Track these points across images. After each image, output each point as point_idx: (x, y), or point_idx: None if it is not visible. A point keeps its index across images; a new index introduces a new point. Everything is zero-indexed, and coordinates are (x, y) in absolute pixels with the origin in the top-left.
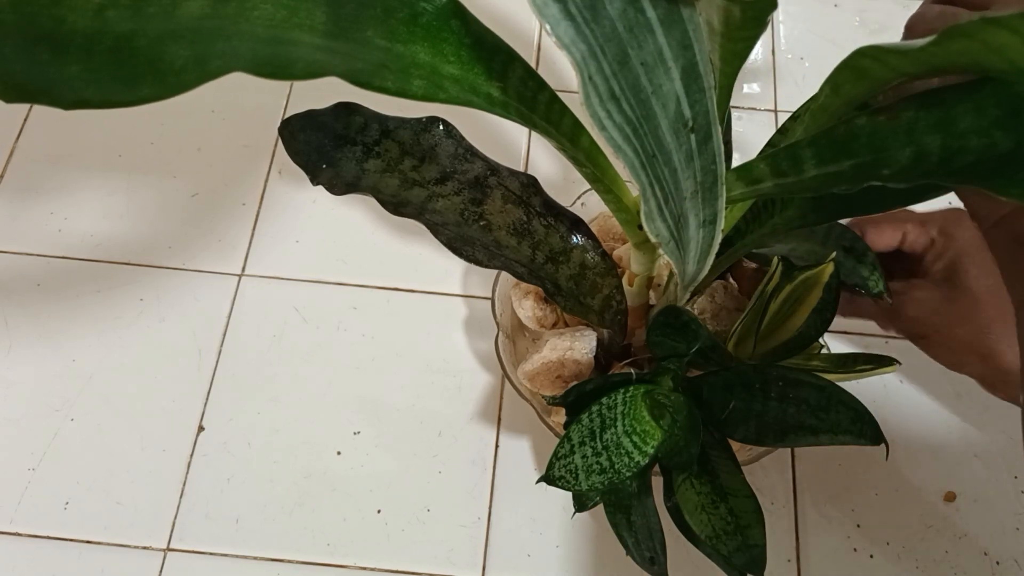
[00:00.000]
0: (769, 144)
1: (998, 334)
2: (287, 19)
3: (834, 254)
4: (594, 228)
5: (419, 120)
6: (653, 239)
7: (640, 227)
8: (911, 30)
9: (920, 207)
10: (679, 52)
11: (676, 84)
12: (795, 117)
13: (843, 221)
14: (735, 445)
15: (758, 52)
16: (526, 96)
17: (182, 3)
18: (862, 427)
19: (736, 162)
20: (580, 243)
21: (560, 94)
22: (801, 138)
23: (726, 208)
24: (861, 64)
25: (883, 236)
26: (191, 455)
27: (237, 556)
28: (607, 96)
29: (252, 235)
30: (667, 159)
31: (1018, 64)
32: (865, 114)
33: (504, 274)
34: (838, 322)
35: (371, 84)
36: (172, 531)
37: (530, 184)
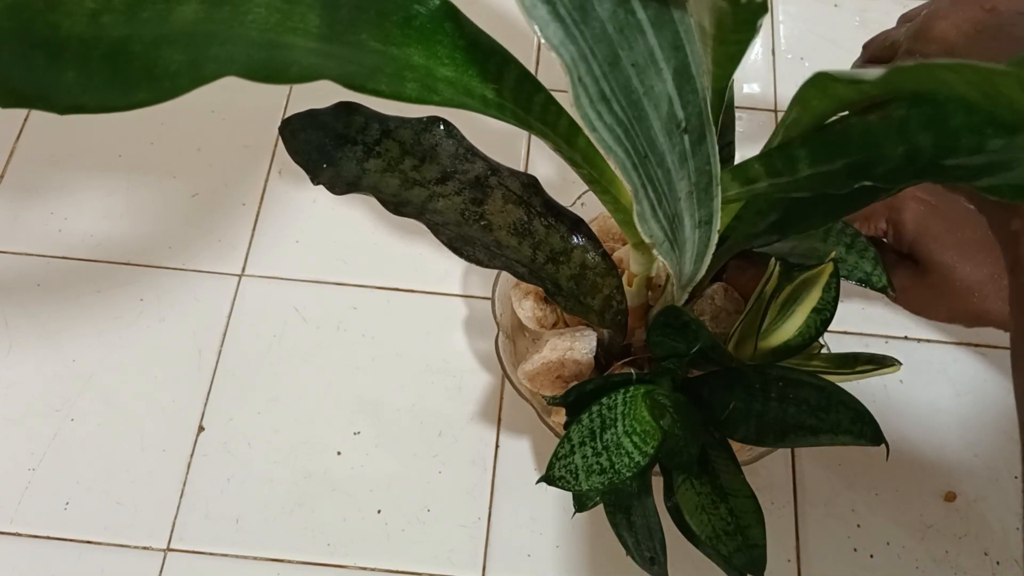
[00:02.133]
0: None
1: (981, 295)
2: (281, 23)
3: (833, 253)
4: (594, 228)
5: (420, 120)
6: (647, 240)
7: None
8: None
9: None
10: (671, 53)
11: (668, 85)
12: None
13: None
14: (735, 445)
15: (758, 52)
16: (521, 98)
17: (176, 8)
18: (862, 427)
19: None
20: (580, 243)
21: (558, 95)
22: (795, 137)
23: (721, 208)
24: (812, 93)
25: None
26: (191, 455)
27: (237, 556)
28: (598, 97)
29: (252, 235)
30: (660, 160)
31: (958, 92)
32: (857, 113)
33: (504, 274)
34: (838, 322)
35: (365, 87)
36: (172, 531)
37: (531, 184)
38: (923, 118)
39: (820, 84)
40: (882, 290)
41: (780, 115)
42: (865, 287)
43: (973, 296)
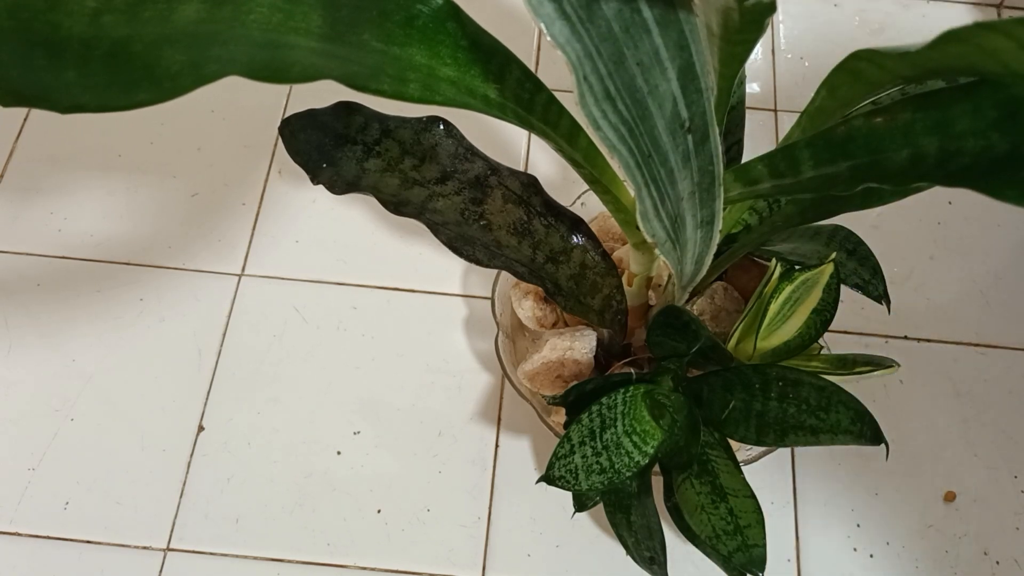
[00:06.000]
0: None
1: None
2: (283, 23)
3: (834, 255)
4: (594, 228)
5: (420, 119)
6: (649, 239)
7: (638, 227)
8: None
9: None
10: (676, 52)
11: (673, 84)
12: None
13: None
14: (735, 445)
15: (758, 52)
16: (523, 98)
17: (178, 8)
18: (862, 427)
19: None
20: (580, 243)
21: (559, 94)
22: (799, 139)
23: (724, 209)
24: (857, 67)
25: None
26: (191, 455)
27: (237, 556)
28: (602, 96)
29: (252, 235)
30: (663, 160)
31: (1012, 67)
32: (863, 115)
33: (504, 274)
34: (838, 322)
35: (368, 87)
36: (172, 531)
37: (530, 184)
38: (929, 122)
39: (855, 64)
40: (877, 299)
41: (780, 115)
42: (861, 294)
43: None
